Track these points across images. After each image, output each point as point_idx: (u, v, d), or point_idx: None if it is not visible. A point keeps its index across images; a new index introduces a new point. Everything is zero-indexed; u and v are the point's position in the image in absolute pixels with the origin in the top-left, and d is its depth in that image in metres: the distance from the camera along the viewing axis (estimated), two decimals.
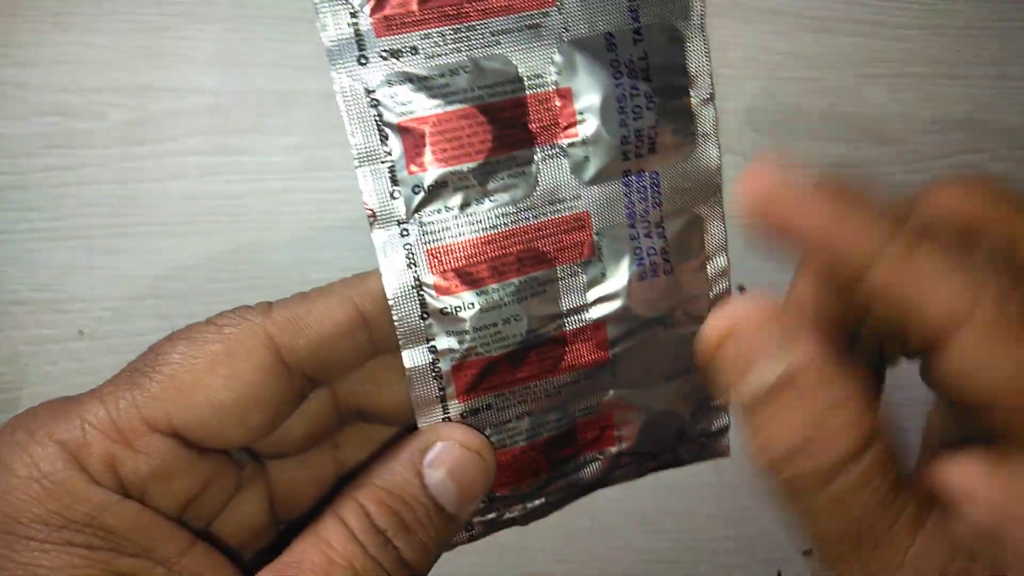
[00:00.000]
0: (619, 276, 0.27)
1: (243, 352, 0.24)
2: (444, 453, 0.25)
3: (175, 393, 0.23)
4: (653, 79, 0.26)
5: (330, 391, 0.27)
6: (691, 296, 0.28)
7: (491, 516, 0.28)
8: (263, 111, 0.44)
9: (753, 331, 0.20)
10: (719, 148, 0.28)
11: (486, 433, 0.26)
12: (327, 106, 0.23)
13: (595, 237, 0.26)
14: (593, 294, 0.27)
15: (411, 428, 0.28)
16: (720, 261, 0.29)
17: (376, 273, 0.25)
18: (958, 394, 0.19)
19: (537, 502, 0.29)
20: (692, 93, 0.27)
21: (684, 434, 0.29)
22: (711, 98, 0.27)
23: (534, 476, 0.28)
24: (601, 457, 0.29)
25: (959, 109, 0.49)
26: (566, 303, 0.26)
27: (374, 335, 0.25)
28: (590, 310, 0.27)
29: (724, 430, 0.31)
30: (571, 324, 0.26)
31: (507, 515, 0.28)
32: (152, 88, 0.43)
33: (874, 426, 0.20)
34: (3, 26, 0.42)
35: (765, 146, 0.48)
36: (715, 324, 0.21)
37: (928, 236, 0.20)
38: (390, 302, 0.24)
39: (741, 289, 0.50)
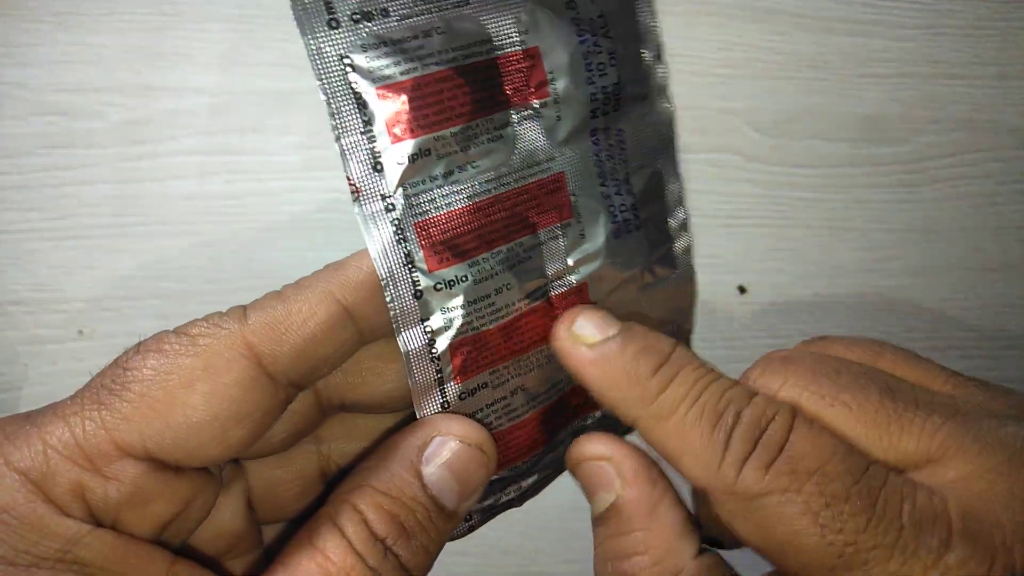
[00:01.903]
0: (597, 235, 0.26)
1: (221, 365, 0.21)
2: (443, 448, 0.24)
3: (149, 413, 0.21)
4: (612, 36, 0.26)
5: (312, 388, 0.26)
6: (658, 250, 0.28)
7: (489, 502, 0.27)
8: (263, 111, 0.44)
9: (602, 465, 0.25)
10: (671, 103, 0.28)
11: (482, 413, 0.26)
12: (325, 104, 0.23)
13: (572, 198, 0.26)
14: (574, 256, 0.26)
15: (396, 412, 0.27)
16: (680, 214, 0.29)
17: (352, 260, 0.23)
18: (728, 530, 0.23)
19: (531, 479, 0.28)
20: (645, 50, 0.27)
21: None
22: (661, 53, 0.27)
23: (530, 452, 0.27)
24: (588, 423, 0.29)
25: (959, 109, 0.49)
26: (551, 268, 0.26)
27: (359, 327, 0.24)
28: (572, 273, 0.26)
29: None
30: (557, 289, 0.26)
31: (504, 498, 0.28)
32: (152, 88, 0.43)
33: (679, 564, 0.24)
34: (3, 26, 0.42)
35: (765, 146, 0.48)
36: (583, 450, 0.26)
37: (688, 399, 0.23)
38: (381, 282, 0.23)
39: (742, 290, 0.50)
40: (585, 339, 0.25)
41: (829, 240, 0.49)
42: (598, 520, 0.26)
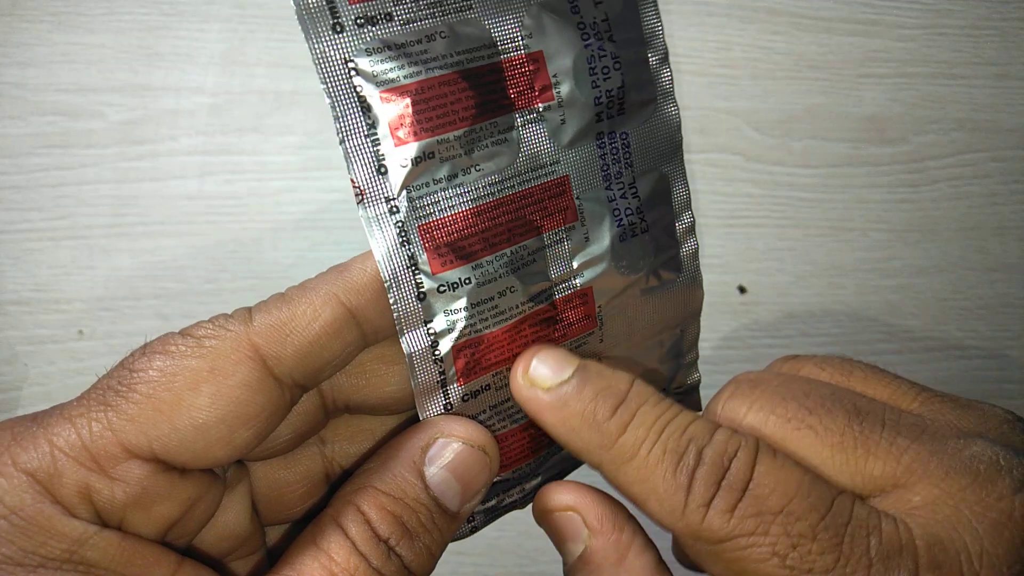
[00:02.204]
0: (602, 239, 0.27)
1: (227, 367, 0.22)
2: (446, 450, 0.24)
3: (155, 415, 0.21)
4: (616, 39, 0.26)
5: (316, 390, 0.26)
6: (664, 254, 0.28)
7: (491, 504, 0.27)
8: (263, 111, 0.44)
9: (569, 515, 0.25)
10: (677, 107, 0.28)
11: (485, 415, 0.26)
12: (326, 105, 0.23)
13: (577, 201, 0.26)
14: (578, 259, 0.26)
15: (400, 414, 0.27)
16: (687, 218, 0.29)
17: (356, 263, 0.24)
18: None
19: (535, 482, 0.28)
20: (650, 53, 0.27)
21: (665, 392, 0.29)
22: (666, 57, 0.28)
23: (533, 454, 0.27)
24: None
25: (959, 109, 0.49)
26: (555, 271, 0.26)
27: (363, 329, 0.24)
28: (576, 277, 0.26)
29: (695, 386, 0.31)
30: (560, 292, 0.26)
31: (507, 500, 0.28)
32: (152, 88, 0.43)
33: None
34: (3, 26, 0.42)
35: (765, 146, 0.48)
36: (547, 501, 0.25)
37: (648, 440, 0.23)
38: (385, 284, 0.23)
39: (742, 290, 0.50)
40: (540, 383, 0.24)
41: (829, 240, 0.49)
42: (570, 571, 0.25)
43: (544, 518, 0.26)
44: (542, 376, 0.24)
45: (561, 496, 0.25)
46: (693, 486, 0.22)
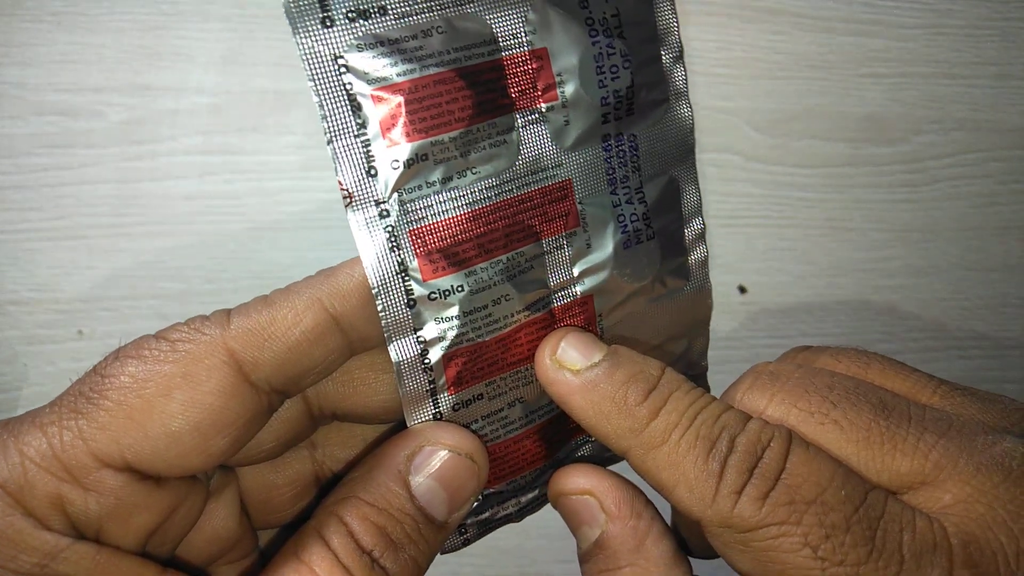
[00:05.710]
0: (604, 246, 0.25)
1: (201, 372, 0.21)
2: (432, 458, 0.23)
3: (126, 422, 0.20)
4: (627, 37, 0.25)
5: (301, 397, 0.25)
6: (671, 262, 0.27)
7: (485, 515, 0.26)
8: (263, 111, 0.44)
9: (585, 499, 0.25)
10: (691, 108, 0.27)
11: (477, 424, 0.25)
12: None
13: (579, 206, 0.25)
14: (579, 267, 0.25)
15: (390, 424, 0.27)
16: (697, 224, 0.27)
17: (344, 267, 0.23)
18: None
19: (531, 494, 0.27)
20: (663, 51, 0.26)
21: None
22: (681, 55, 0.26)
23: (529, 467, 0.26)
24: (592, 438, 0.28)
25: (959, 109, 0.49)
26: (554, 278, 0.25)
27: (349, 337, 0.23)
28: (577, 284, 0.25)
29: None
30: (559, 300, 0.25)
31: (501, 513, 0.27)
32: (152, 88, 0.43)
33: None
34: (3, 26, 0.42)
35: (765, 146, 0.48)
36: (563, 484, 0.25)
37: (680, 426, 0.22)
38: (373, 291, 0.22)
39: (742, 290, 0.50)
40: (569, 365, 0.24)
41: (829, 240, 0.49)
42: (585, 556, 0.25)
43: (558, 501, 0.25)
44: (571, 358, 0.24)
45: (577, 479, 0.25)
46: (725, 473, 0.21)
